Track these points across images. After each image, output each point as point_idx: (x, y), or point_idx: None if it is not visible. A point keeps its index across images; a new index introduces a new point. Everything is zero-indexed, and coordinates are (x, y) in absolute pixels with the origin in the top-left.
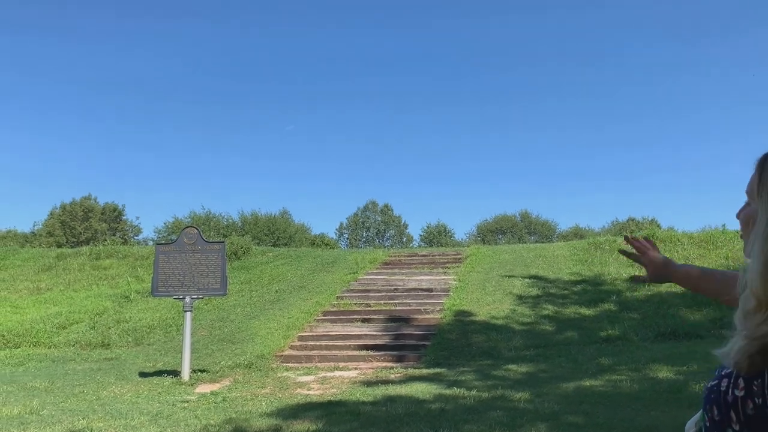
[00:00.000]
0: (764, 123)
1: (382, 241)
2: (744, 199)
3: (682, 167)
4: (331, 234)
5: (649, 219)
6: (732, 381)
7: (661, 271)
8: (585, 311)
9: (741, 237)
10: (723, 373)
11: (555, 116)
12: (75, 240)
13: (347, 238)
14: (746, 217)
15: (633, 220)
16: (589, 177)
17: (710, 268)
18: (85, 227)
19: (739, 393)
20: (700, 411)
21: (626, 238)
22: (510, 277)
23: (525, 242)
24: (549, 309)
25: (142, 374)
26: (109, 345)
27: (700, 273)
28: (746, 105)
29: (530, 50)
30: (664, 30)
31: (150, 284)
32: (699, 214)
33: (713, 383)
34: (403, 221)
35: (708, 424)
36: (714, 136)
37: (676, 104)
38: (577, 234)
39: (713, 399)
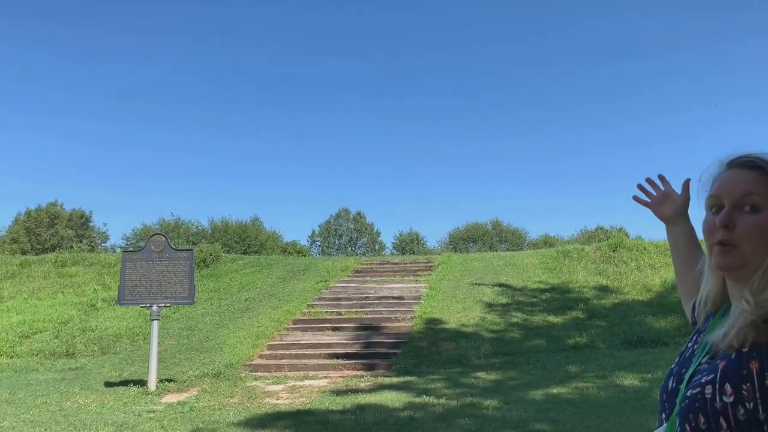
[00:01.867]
0: (727, 131)
1: (355, 248)
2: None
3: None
4: (303, 241)
5: (618, 228)
6: (718, 387)
7: (670, 213)
8: (553, 319)
9: (725, 246)
10: (703, 380)
11: (528, 124)
12: (40, 247)
13: (319, 246)
14: (763, 226)
15: (601, 228)
16: (560, 186)
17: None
18: (50, 234)
19: (728, 399)
20: (665, 425)
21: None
22: (480, 284)
23: (496, 250)
24: (518, 316)
25: (108, 384)
26: (74, 354)
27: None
28: (714, 114)
29: (501, 57)
30: (637, 33)
31: (117, 292)
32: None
33: (694, 391)
34: (375, 229)
35: None
36: (681, 146)
37: (645, 113)
38: (547, 242)
39: (698, 407)
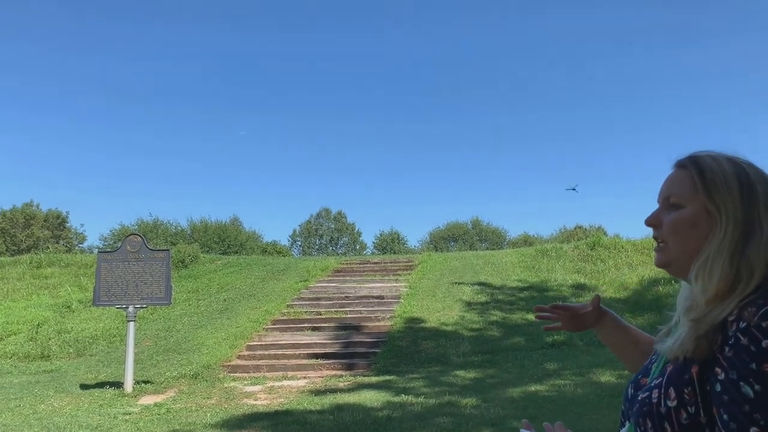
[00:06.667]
0: (703, 131)
1: (336, 248)
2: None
3: (630, 176)
4: (284, 241)
5: (596, 226)
6: (663, 391)
7: (585, 318)
8: (532, 317)
9: (659, 244)
10: (653, 384)
11: (509, 124)
12: (15, 248)
13: (300, 246)
14: (680, 222)
15: (580, 227)
16: (540, 185)
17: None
18: (26, 235)
19: (672, 403)
20: (627, 424)
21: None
22: (460, 283)
23: (476, 249)
24: (497, 315)
25: (83, 386)
26: (49, 357)
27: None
28: (691, 113)
29: (478, 57)
30: (605, 32)
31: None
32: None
33: (644, 395)
34: (356, 228)
35: None
36: (657, 144)
37: (625, 112)
38: (526, 241)
39: (645, 412)
